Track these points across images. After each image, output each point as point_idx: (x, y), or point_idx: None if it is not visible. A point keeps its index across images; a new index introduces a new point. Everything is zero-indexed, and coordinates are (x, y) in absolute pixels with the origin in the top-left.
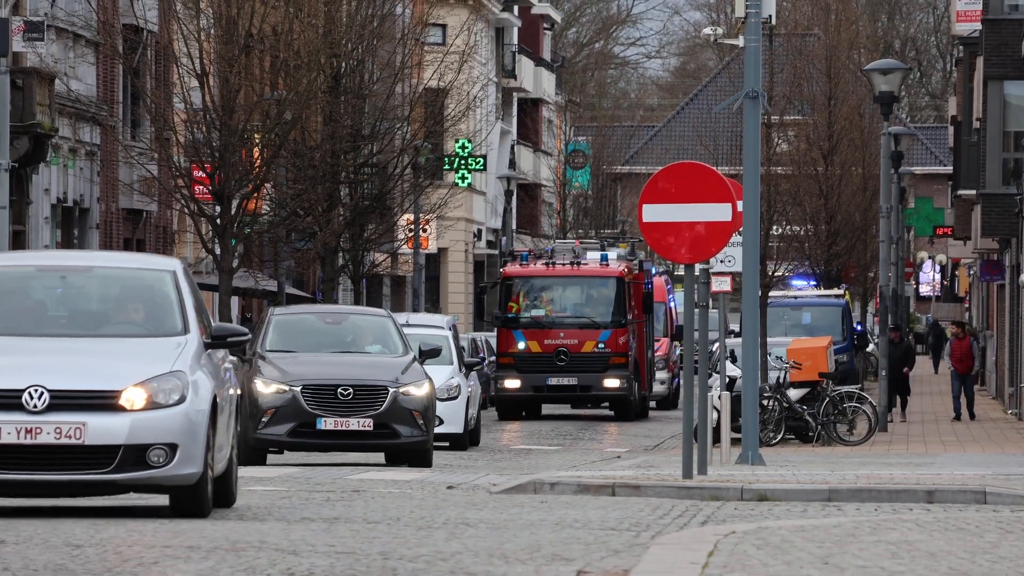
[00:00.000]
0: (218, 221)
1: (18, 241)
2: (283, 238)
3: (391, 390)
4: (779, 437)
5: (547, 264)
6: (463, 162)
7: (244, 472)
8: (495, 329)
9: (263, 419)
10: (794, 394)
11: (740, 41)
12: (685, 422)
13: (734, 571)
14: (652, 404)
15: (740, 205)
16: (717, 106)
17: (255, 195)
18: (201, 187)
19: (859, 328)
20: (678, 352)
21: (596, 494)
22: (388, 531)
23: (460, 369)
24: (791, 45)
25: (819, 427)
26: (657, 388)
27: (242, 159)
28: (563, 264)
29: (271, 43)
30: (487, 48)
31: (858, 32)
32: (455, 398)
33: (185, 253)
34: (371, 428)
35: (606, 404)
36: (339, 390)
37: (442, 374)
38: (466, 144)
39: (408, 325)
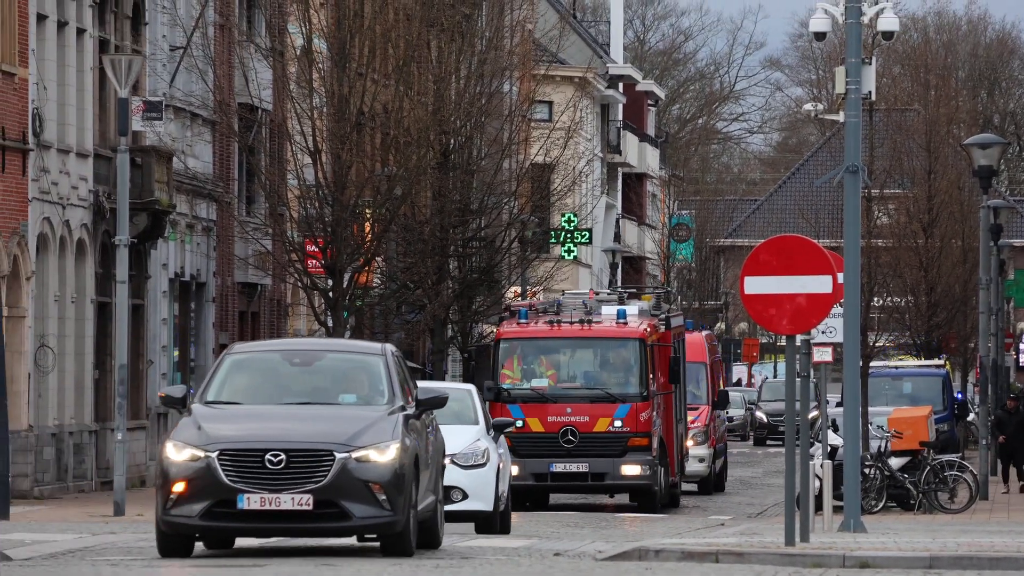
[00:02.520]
0: (330, 294)
1: (137, 314)
2: (393, 310)
3: (338, 455)
4: (880, 505)
5: (551, 323)
6: (569, 235)
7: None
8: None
9: (170, 495)
10: (895, 463)
11: (840, 117)
12: (787, 490)
13: None
14: (686, 488)
15: (840, 277)
16: (818, 180)
17: (366, 268)
18: (314, 261)
19: (959, 397)
20: (724, 422)
21: (700, 561)
22: None
23: (488, 431)
24: (891, 120)
25: (920, 495)
26: (695, 467)
27: (354, 234)
28: (571, 323)
29: (382, 120)
30: (592, 124)
31: (957, 107)
32: (482, 465)
33: (298, 325)
34: (310, 507)
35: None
36: (267, 456)
37: (465, 436)
38: (572, 218)
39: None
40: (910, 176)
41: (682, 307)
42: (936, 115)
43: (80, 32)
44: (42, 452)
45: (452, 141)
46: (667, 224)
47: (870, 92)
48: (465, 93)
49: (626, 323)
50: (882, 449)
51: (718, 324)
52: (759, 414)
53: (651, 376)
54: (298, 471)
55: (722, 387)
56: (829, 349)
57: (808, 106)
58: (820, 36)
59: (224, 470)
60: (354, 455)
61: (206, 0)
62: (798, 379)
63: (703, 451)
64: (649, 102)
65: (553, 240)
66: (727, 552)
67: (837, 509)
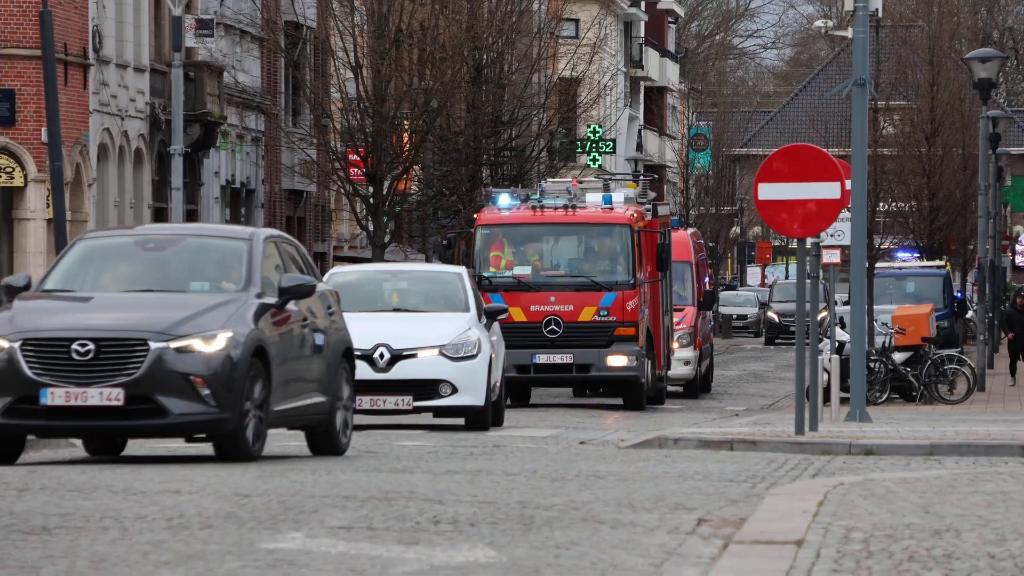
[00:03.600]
0: (371, 200)
1: (191, 219)
2: (430, 215)
3: (153, 345)
4: (884, 397)
5: (533, 208)
6: (594, 145)
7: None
8: None
9: None
10: (899, 357)
11: (849, 33)
12: (798, 383)
13: (842, 519)
14: (671, 390)
15: (848, 184)
16: (828, 92)
17: (404, 176)
18: (356, 169)
19: (959, 296)
20: (710, 323)
21: (716, 449)
22: (526, 482)
23: (479, 319)
24: (896, 36)
25: (922, 387)
26: (681, 370)
27: (393, 144)
28: (555, 209)
29: (419, 37)
30: (616, 41)
31: (959, 23)
32: (472, 357)
33: (341, 230)
34: (121, 402)
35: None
36: (73, 346)
37: (454, 324)
38: (597, 129)
39: (417, 271)
40: (914, 89)
41: (700, 212)
42: (939, 31)
43: None
44: None
45: (485, 57)
46: (686, 134)
47: (876, 10)
48: (497, 11)
49: (612, 208)
50: (886, 344)
51: (733, 228)
52: (770, 314)
53: (638, 264)
54: (109, 363)
55: (708, 287)
56: (837, 251)
57: (819, 23)
58: None
59: (27, 362)
60: (172, 344)
61: None
62: (808, 280)
63: (688, 353)
64: (669, 20)
65: (579, 149)
66: (741, 440)
67: (844, 401)
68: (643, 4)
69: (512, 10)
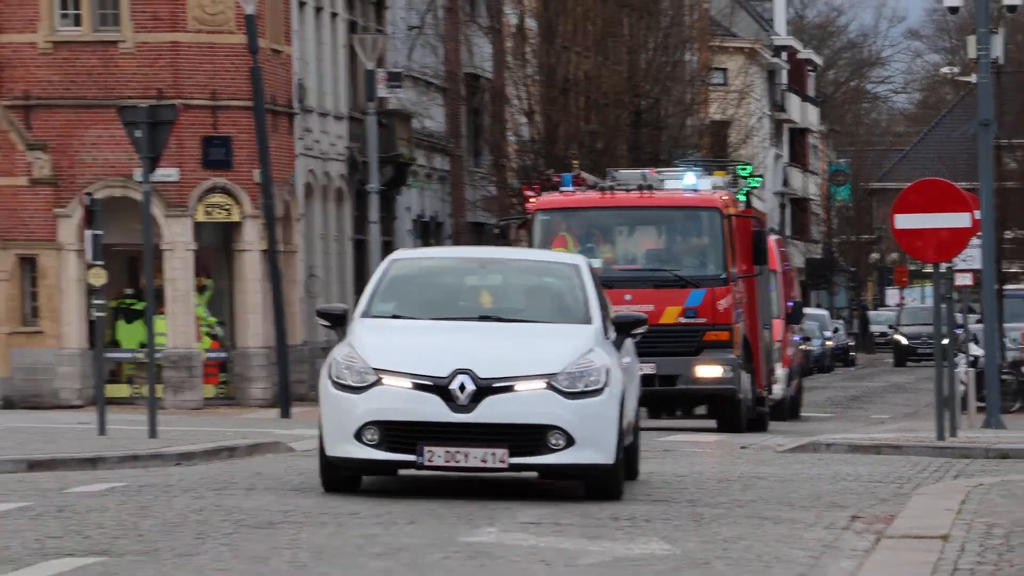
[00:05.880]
0: None
1: (387, 249)
2: None
3: None
4: (1017, 406)
5: (603, 191)
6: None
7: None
8: None
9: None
10: None
11: (973, 78)
12: (937, 393)
13: (983, 516)
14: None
15: (977, 214)
16: (955, 132)
17: None
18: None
19: None
20: (798, 340)
21: (865, 453)
22: (694, 483)
23: (606, 333)
24: (1017, 80)
25: None
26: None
27: None
28: (627, 192)
29: (584, 86)
30: (761, 87)
31: None
32: (596, 391)
33: None
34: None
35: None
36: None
37: (569, 343)
38: (745, 166)
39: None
40: None
41: (840, 240)
42: None
43: (333, 15)
44: (314, 363)
45: (643, 103)
46: (827, 171)
47: (998, 57)
48: (653, 62)
49: (697, 191)
50: (1018, 359)
51: (872, 254)
52: (897, 337)
53: (731, 255)
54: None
55: (795, 298)
56: (969, 275)
57: (944, 70)
58: (954, 10)
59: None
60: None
61: None
62: (943, 302)
63: (778, 371)
64: (809, 68)
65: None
66: (887, 445)
67: (979, 410)
68: (784, 55)
69: (667, 61)
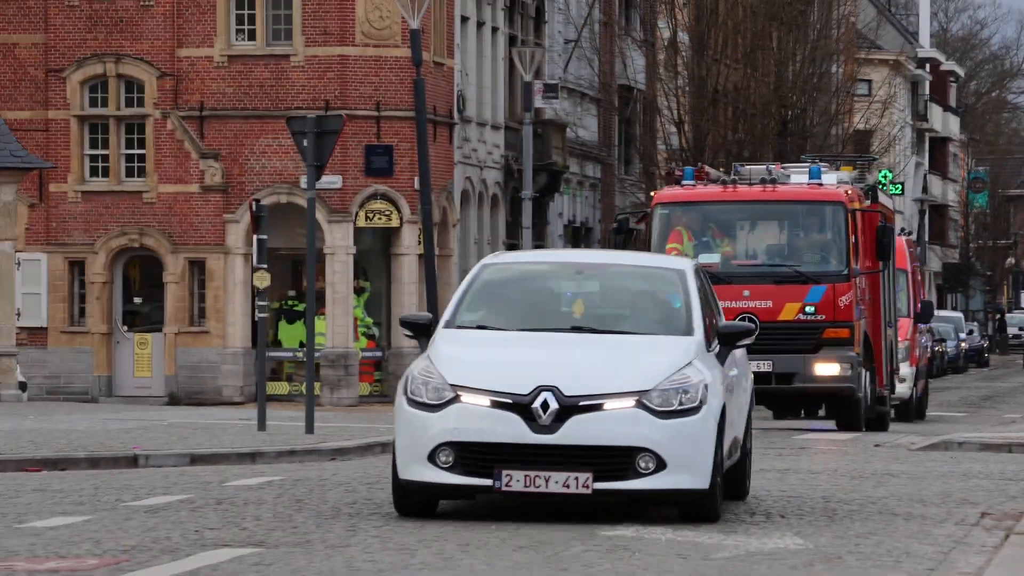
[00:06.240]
0: None
1: None
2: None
3: None
4: None
5: (724, 184)
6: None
7: None
8: None
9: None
10: None
11: None
12: None
13: None
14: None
15: None
16: None
17: None
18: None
19: None
20: (926, 341)
21: (996, 451)
22: (828, 480)
23: (709, 345)
24: None
25: None
26: (897, 388)
27: None
28: (749, 185)
29: (733, 97)
30: (904, 97)
31: None
32: (692, 411)
33: None
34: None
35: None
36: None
37: (665, 357)
38: (887, 174)
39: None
40: None
41: (978, 244)
42: None
43: (494, 30)
44: None
45: (790, 113)
46: (966, 178)
47: None
48: (800, 73)
49: (821, 185)
50: None
51: (1008, 259)
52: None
53: (853, 251)
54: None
55: (924, 298)
56: None
57: None
58: None
59: None
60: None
61: (593, 2)
62: None
63: (904, 369)
64: (951, 79)
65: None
66: (1019, 444)
67: None
68: (928, 66)
69: (814, 72)
